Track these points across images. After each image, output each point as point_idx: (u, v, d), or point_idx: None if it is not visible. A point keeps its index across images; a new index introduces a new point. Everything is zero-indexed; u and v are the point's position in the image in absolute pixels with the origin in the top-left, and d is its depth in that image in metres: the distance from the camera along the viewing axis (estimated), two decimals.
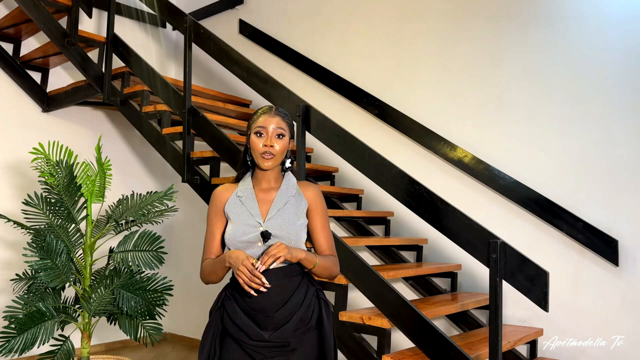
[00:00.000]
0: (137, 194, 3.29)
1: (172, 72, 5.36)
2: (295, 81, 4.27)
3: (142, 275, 3.22)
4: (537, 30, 3.28)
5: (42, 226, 3.10)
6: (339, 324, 2.59)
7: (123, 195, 3.29)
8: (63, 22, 3.88)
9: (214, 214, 1.84)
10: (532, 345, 3.01)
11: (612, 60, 3.01)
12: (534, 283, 2.01)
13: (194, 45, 3.48)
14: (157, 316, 3.21)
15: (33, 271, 3.03)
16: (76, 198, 3.12)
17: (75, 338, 3.55)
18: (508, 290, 2.21)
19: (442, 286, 3.37)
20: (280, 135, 1.77)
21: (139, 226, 3.29)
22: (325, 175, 4.01)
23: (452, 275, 3.38)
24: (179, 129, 3.45)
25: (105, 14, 4.17)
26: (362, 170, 2.61)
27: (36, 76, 4.38)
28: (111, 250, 3.25)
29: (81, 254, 3.22)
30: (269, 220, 1.75)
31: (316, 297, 1.79)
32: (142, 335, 3.20)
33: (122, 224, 3.23)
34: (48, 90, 4.39)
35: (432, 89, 3.68)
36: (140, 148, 5.00)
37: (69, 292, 3.42)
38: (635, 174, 2.90)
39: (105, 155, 3.34)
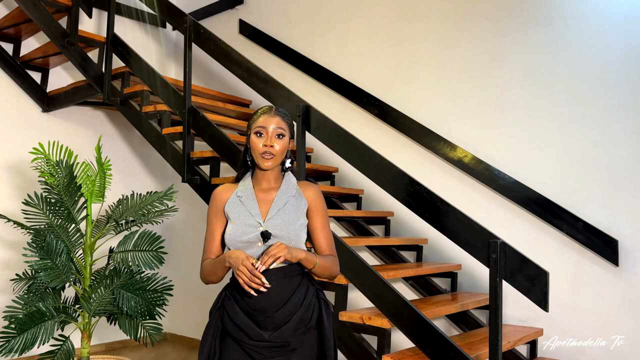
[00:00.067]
0: (137, 194, 3.29)
1: (172, 72, 5.36)
2: (295, 81, 4.27)
3: (142, 275, 3.22)
4: (537, 30, 3.28)
5: (42, 226, 3.10)
6: (339, 324, 2.59)
7: (123, 195, 3.29)
8: (63, 22, 3.88)
9: (214, 214, 1.84)
10: (532, 345, 3.02)
11: (612, 60, 3.01)
12: (534, 283, 2.01)
13: (194, 45, 3.48)
14: (157, 316, 3.21)
15: (33, 271, 3.03)
16: (76, 198, 3.12)
17: (75, 338, 3.55)
18: (508, 290, 2.21)
19: (442, 286, 3.37)
20: (280, 135, 1.77)
21: (139, 226, 3.29)
22: (325, 175, 4.01)
23: (452, 275, 3.38)
24: (179, 129, 3.45)
25: (105, 14, 4.17)
26: (362, 170, 2.61)
27: (36, 76, 4.39)
28: (111, 250, 3.25)
29: (81, 254, 3.22)
30: (269, 220, 1.75)
31: (316, 297, 1.79)
32: (142, 335, 3.20)
33: (122, 224, 3.23)
34: (48, 90, 4.39)
35: (432, 89, 3.68)
36: (140, 148, 5.00)
37: (69, 292, 3.42)
38: (635, 174, 2.90)
39: (105, 155, 3.34)
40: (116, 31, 3.91)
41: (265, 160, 1.75)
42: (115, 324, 3.24)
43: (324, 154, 4.07)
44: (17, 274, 3.15)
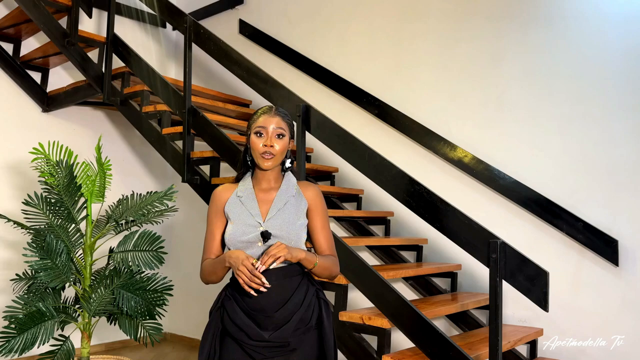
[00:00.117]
0: (137, 194, 3.29)
1: (172, 72, 5.36)
2: (295, 81, 4.27)
3: (142, 275, 3.22)
4: (537, 30, 3.28)
5: (42, 226, 3.10)
6: (339, 324, 2.59)
7: (123, 195, 3.29)
8: (63, 22, 3.88)
9: (214, 214, 1.84)
10: (532, 345, 3.02)
11: (612, 60, 3.01)
12: (534, 283, 2.01)
13: (194, 45, 3.48)
14: (157, 316, 3.21)
15: (33, 271, 3.03)
16: (76, 198, 3.12)
17: (75, 338, 3.55)
18: (508, 290, 2.21)
19: (442, 286, 3.37)
20: (280, 135, 1.77)
21: (139, 226, 3.29)
22: (325, 175, 4.01)
23: (452, 275, 3.38)
24: (179, 129, 3.45)
25: (105, 14, 4.17)
26: (362, 170, 2.61)
27: (36, 76, 4.39)
28: (111, 250, 3.25)
29: (81, 254, 3.22)
30: (269, 220, 1.75)
31: (316, 297, 1.79)
32: (142, 335, 3.20)
33: (122, 224, 3.23)
34: (48, 90, 4.39)
35: (432, 89, 3.68)
36: (140, 148, 5.00)
37: (69, 292, 3.42)
38: (635, 174, 2.90)
39: (105, 155, 3.34)
40: (116, 31, 3.91)
41: (265, 160, 1.75)
42: (115, 324, 3.24)
43: (324, 154, 4.07)
44: (17, 274, 3.15)
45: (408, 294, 3.45)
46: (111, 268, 3.21)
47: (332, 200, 3.85)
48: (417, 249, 3.54)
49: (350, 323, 2.58)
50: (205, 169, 3.45)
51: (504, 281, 2.09)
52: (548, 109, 3.20)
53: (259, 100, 4.54)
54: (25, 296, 2.98)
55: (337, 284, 2.65)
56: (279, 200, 1.79)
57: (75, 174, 3.09)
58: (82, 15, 4.00)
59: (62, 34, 3.79)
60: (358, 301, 3.11)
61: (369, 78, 3.99)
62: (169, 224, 4.95)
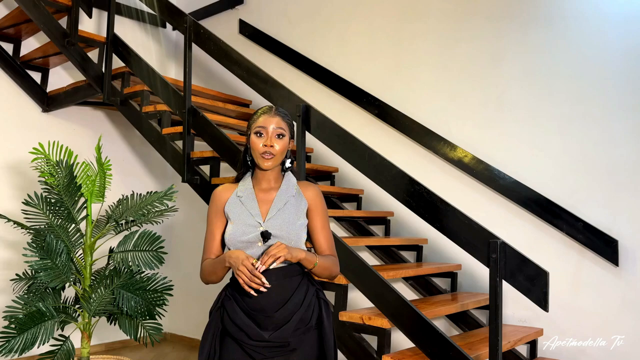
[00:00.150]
0: (137, 194, 3.29)
1: (172, 72, 5.36)
2: (295, 81, 4.27)
3: (142, 275, 3.22)
4: (537, 30, 3.28)
5: (42, 226, 3.10)
6: (339, 324, 2.59)
7: (123, 195, 3.29)
8: (63, 22, 3.88)
9: (214, 214, 1.84)
10: (532, 345, 3.01)
11: (612, 60, 3.01)
12: (534, 283, 2.01)
13: (194, 45, 3.48)
14: (157, 316, 3.21)
15: (33, 271, 3.03)
16: (76, 198, 3.12)
17: (75, 338, 3.55)
18: (508, 290, 2.21)
19: (442, 286, 3.37)
20: (280, 135, 1.77)
21: (139, 226, 3.29)
22: (325, 175, 4.01)
23: (452, 275, 3.38)
24: (179, 129, 3.45)
25: (105, 14, 4.17)
26: (362, 170, 2.61)
27: (36, 76, 4.39)
28: (111, 250, 3.25)
29: (81, 254, 3.22)
30: (269, 220, 1.75)
31: (316, 297, 1.79)
32: (142, 335, 3.20)
33: (122, 224, 3.23)
34: (48, 90, 4.39)
35: (432, 89, 3.68)
36: (140, 148, 5.00)
37: (69, 292, 3.42)
38: (635, 174, 2.90)
39: (105, 155, 3.34)
40: (116, 31, 3.91)
41: (265, 160, 1.75)
42: (115, 324, 3.24)
43: (324, 154, 4.07)
44: (17, 274, 3.15)
45: (408, 294, 3.45)
46: (111, 268, 3.21)
47: (332, 200, 3.85)
48: (417, 249, 3.54)
49: (350, 323, 2.58)
50: (205, 169, 3.45)
51: (504, 281, 2.09)
52: (548, 109, 3.20)
53: (259, 100, 4.54)
54: (25, 296, 2.98)
55: (337, 284, 2.65)
56: (279, 200, 1.79)
57: (75, 174, 3.10)
58: (82, 15, 4.00)
59: (62, 34, 3.79)
60: (358, 301, 3.11)
61: (369, 78, 3.99)
62: (169, 224, 4.95)
